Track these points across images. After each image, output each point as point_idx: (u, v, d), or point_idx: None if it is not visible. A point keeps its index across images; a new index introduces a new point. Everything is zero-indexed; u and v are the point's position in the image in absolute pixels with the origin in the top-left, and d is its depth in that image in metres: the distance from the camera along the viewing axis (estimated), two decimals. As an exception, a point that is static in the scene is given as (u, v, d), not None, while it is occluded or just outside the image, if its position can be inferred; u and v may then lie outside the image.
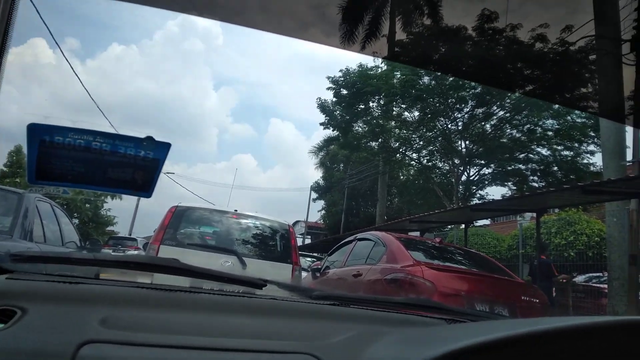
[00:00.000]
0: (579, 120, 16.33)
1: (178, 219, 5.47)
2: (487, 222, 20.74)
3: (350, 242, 6.39)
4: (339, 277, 5.82)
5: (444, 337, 0.91)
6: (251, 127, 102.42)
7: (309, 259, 12.46)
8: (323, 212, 34.77)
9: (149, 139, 1.35)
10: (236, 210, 5.87)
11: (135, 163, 1.35)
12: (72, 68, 35.13)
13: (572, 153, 17.05)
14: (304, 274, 7.42)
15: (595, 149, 16.24)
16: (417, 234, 13.63)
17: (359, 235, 6.32)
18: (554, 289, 8.68)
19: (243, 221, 5.86)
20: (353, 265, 5.66)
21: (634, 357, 0.82)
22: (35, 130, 1.26)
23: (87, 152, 1.30)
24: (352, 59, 43.16)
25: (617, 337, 0.82)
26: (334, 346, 0.87)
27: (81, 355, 0.71)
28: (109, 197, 28.38)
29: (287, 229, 5.98)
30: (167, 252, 5.00)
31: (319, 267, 6.91)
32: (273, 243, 5.97)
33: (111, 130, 1.43)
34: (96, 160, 1.32)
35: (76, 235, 5.81)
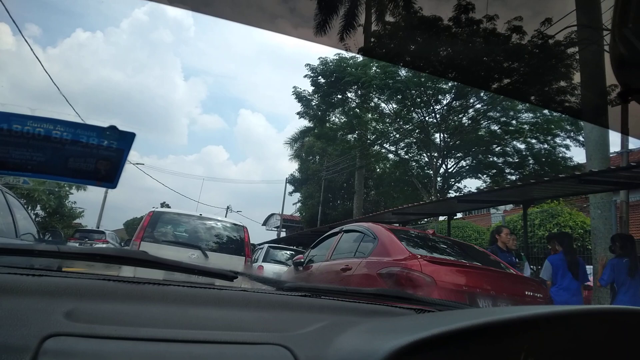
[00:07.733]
0: (558, 113, 16.41)
1: (155, 221, 6.98)
2: (460, 215, 20.54)
3: (335, 234, 6.00)
4: (325, 271, 5.43)
5: (411, 327, 0.92)
6: (221, 119, 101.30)
7: (287, 252, 12.01)
8: (299, 204, 34.30)
9: (112, 128, 1.33)
10: (201, 214, 7.56)
11: (99, 153, 1.33)
12: (34, 54, 33.73)
13: (553, 145, 17.17)
14: (285, 268, 8.66)
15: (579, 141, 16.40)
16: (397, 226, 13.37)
17: (346, 227, 5.94)
18: None
19: (207, 222, 7.43)
20: (340, 259, 5.27)
21: (606, 344, 0.83)
22: None
23: (47, 141, 1.27)
24: (321, 53, 42.59)
25: (588, 325, 0.83)
26: (303, 337, 0.87)
27: (45, 349, 0.69)
28: (74, 188, 27.49)
29: (242, 228, 7.57)
30: (146, 247, 5.98)
31: (302, 260, 6.52)
32: (230, 240, 7.41)
33: (76, 120, 1.39)
34: (57, 149, 1.29)
35: (34, 226, 5.35)
